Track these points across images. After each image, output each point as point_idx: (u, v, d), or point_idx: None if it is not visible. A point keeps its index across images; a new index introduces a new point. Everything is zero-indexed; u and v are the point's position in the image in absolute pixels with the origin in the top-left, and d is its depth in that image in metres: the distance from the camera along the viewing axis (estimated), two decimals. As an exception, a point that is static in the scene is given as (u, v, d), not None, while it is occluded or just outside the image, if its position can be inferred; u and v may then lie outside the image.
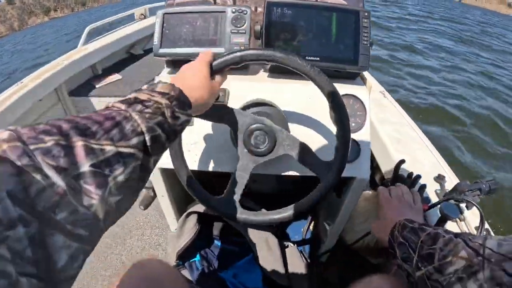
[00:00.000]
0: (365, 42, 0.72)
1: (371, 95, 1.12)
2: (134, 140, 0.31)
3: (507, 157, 3.48)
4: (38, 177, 0.23)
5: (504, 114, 4.56)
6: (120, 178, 0.29)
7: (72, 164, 0.25)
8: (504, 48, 9.14)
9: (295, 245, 0.88)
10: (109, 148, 0.28)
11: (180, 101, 0.40)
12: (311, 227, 1.06)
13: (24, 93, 1.33)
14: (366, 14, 0.73)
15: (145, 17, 2.73)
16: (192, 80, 0.46)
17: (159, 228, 1.22)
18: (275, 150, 0.60)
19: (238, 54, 0.53)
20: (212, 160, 0.72)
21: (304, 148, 0.59)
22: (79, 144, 0.26)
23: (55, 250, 0.23)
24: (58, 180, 0.24)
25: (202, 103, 0.47)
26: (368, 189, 1.02)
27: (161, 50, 0.75)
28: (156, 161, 0.36)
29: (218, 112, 0.59)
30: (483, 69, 6.68)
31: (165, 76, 0.77)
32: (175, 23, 0.76)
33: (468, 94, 5.15)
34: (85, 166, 0.26)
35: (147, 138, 0.33)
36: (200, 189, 0.63)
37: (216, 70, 0.53)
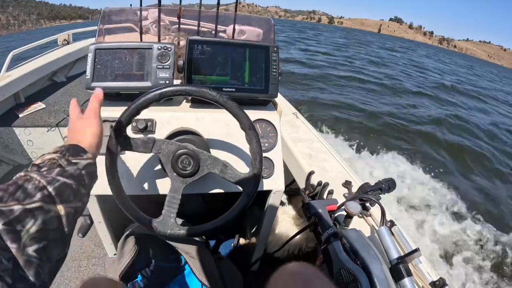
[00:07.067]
0: (274, 73, 0.85)
1: (285, 118, 1.27)
2: (38, 195, 0.36)
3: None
4: None
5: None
6: (33, 229, 0.33)
7: None
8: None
9: (228, 258, 0.95)
10: (17, 208, 0.33)
11: (72, 150, 0.46)
12: (241, 242, 1.15)
13: None
14: (275, 49, 0.86)
15: (68, 43, 2.71)
16: (80, 133, 0.52)
17: (95, 257, 1.21)
18: (200, 170, 0.68)
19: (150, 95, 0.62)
20: (146, 185, 0.77)
21: (224, 165, 0.68)
22: None
23: None
24: None
25: (97, 143, 0.53)
26: (286, 202, 1.15)
27: (93, 84, 0.79)
28: (74, 208, 0.40)
29: (147, 144, 0.66)
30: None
31: None
32: (105, 58, 0.81)
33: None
34: None
35: (50, 189, 0.37)
36: (139, 212, 0.68)
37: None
